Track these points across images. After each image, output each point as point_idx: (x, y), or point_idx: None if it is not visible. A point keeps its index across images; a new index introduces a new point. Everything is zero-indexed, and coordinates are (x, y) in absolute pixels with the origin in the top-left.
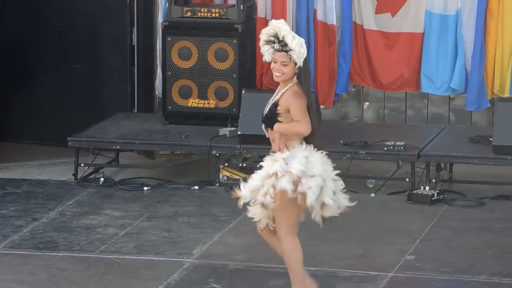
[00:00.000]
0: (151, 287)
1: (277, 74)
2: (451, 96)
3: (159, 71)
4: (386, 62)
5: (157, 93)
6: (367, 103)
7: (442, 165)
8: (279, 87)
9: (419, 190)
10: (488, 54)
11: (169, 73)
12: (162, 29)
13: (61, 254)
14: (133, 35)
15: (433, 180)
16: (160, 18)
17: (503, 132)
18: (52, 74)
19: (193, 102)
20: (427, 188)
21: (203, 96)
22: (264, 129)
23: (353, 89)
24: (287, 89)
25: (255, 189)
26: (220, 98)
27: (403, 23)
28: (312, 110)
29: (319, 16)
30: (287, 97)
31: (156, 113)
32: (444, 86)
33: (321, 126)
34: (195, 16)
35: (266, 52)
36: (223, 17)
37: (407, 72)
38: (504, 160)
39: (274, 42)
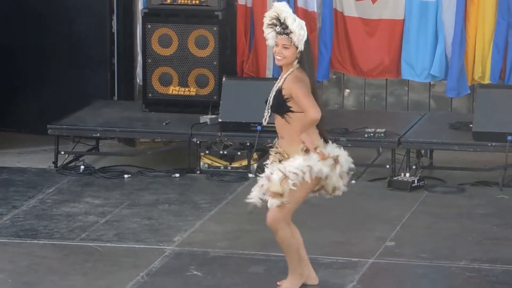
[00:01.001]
0: (132, 274)
1: (278, 57)
2: (432, 82)
3: (140, 58)
4: (366, 49)
5: (138, 80)
6: (347, 90)
7: (423, 151)
8: (282, 72)
9: (399, 177)
10: (469, 40)
11: (149, 60)
12: (142, 16)
13: (41, 242)
14: (112, 22)
15: (414, 167)
16: (140, 5)
17: (483, 119)
18: (32, 61)
19: (174, 89)
20: (407, 174)
21: (183, 83)
22: (265, 118)
23: (334, 76)
24: (289, 74)
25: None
26: (201, 86)
27: (384, 9)
28: (316, 93)
29: (300, 3)
30: (288, 82)
31: (137, 100)
32: (425, 73)
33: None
34: (175, 3)
35: (269, 35)
36: (204, 4)
37: (387, 59)
38: (484, 147)
39: (276, 25)
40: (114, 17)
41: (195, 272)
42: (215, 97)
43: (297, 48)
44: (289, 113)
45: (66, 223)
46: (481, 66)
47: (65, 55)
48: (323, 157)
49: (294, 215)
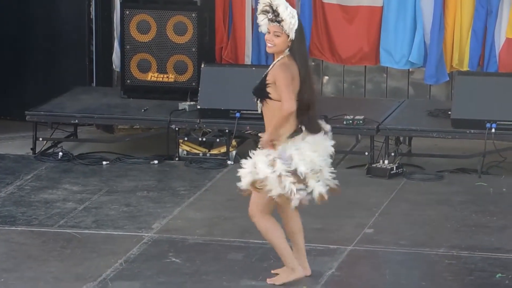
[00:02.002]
0: (110, 261)
1: (269, 45)
2: (410, 70)
3: (116, 44)
4: (345, 36)
5: (114, 67)
6: (326, 77)
7: (401, 138)
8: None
9: (378, 164)
10: (447, 27)
11: (128, 47)
12: (121, 2)
13: (19, 228)
14: (91, 9)
15: (392, 154)
16: None
17: (461, 106)
18: (10, 48)
19: (152, 76)
20: (386, 161)
21: (162, 70)
22: (257, 104)
23: (313, 63)
24: (278, 60)
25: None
26: (180, 72)
27: None
28: (306, 82)
29: None
30: (274, 69)
31: (115, 87)
32: (403, 60)
33: None
34: None
35: (262, 22)
36: None
37: (366, 46)
38: (463, 134)
39: (268, 12)
40: (93, 3)
41: (174, 259)
42: (193, 84)
43: (288, 36)
44: (268, 100)
45: (45, 209)
46: (460, 53)
47: (43, 41)
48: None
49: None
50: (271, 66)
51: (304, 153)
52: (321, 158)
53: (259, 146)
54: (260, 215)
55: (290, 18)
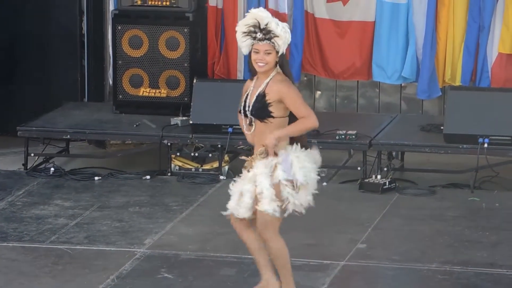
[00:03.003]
0: (102, 277)
1: (261, 64)
2: (403, 84)
3: (111, 60)
4: (337, 51)
5: (110, 81)
6: (319, 92)
7: (394, 153)
8: (258, 77)
9: (370, 179)
10: (440, 42)
11: (120, 62)
12: (112, 18)
13: (11, 244)
14: (82, 24)
15: (385, 169)
16: (111, 6)
17: (454, 121)
18: (1, 62)
19: (144, 91)
20: (378, 176)
21: (154, 85)
22: (244, 124)
23: (305, 78)
24: (272, 78)
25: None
26: (172, 87)
27: (354, 11)
28: None
29: (271, 5)
30: (276, 87)
31: (107, 102)
32: (396, 75)
33: None
34: (145, 5)
35: (244, 43)
36: (174, 5)
37: (358, 61)
38: (455, 149)
39: (255, 32)
40: (84, 18)
41: (166, 275)
42: (186, 99)
43: (277, 52)
44: (270, 118)
45: (36, 225)
46: (452, 68)
47: (34, 56)
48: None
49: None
50: (259, 85)
51: (303, 162)
52: (315, 171)
53: (259, 151)
54: (277, 235)
55: (284, 33)
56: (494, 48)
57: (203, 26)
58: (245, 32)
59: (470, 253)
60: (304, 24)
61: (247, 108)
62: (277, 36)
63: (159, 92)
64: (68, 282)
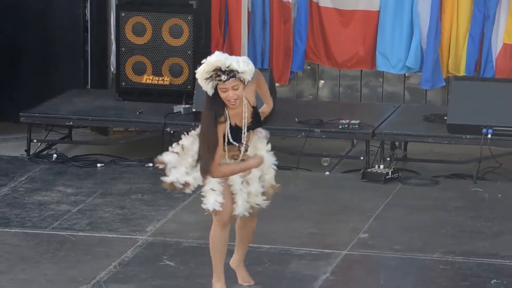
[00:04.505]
0: (104, 264)
1: (233, 101)
2: (406, 74)
3: (114, 46)
4: (341, 40)
5: (112, 69)
6: (322, 81)
7: (397, 143)
8: (231, 110)
9: (373, 169)
10: (444, 32)
11: (123, 49)
12: (116, 5)
13: (13, 230)
14: (86, 10)
15: (388, 159)
16: None
17: (457, 111)
18: (4, 49)
19: (147, 78)
20: (381, 166)
21: (157, 72)
22: (244, 140)
23: (309, 67)
24: (255, 85)
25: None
26: (175, 75)
27: (359, 0)
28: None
29: None
30: (249, 89)
31: (110, 89)
32: (400, 65)
33: (277, 103)
34: None
35: (208, 86)
36: None
37: (362, 50)
38: (459, 139)
39: (218, 76)
40: (88, 5)
41: (168, 262)
42: (189, 87)
43: (243, 83)
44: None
45: (38, 211)
46: (456, 58)
47: (38, 43)
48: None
49: (268, 206)
50: (245, 108)
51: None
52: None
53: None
54: None
55: (247, 66)
56: (499, 39)
57: (207, 14)
58: (207, 78)
59: (472, 243)
60: (308, 12)
61: (243, 137)
62: (242, 72)
63: (162, 79)
64: (70, 268)
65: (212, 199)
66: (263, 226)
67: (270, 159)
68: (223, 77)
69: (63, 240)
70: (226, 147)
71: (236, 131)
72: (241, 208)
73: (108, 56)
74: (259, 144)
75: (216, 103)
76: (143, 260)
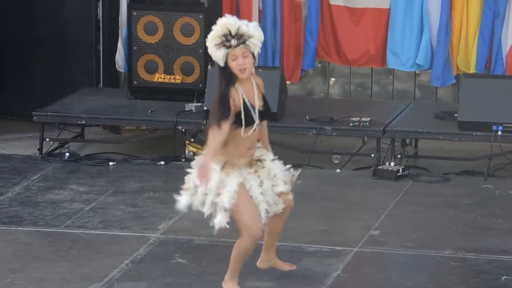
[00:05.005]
0: (117, 262)
1: (243, 69)
2: (417, 72)
3: (119, 45)
4: (352, 38)
5: (117, 67)
6: (333, 79)
7: (407, 141)
8: (243, 85)
9: (384, 166)
10: (454, 30)
11: (135, 48)
12: (128, 4)
13: (26, 228)
14: (98, 10)
15: (398, 156)
16: None
17: (468, 108)
18: (17, 48)
19: (159, 77)
20: (392, 163)
21: (169, 71)
22: (254, 129)
23: (319, 65)
24: (255, 80)
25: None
26: (186, 74)
27: None
28: None
29: None
30: (261, 86)
31: (122, 88)
32: (410, 62)
33: (287, 101)
34: None
35: (219, 55)
36: None
37: (373, 48)
38: (469, 136)
39: (228, 40)
40: (100, 3)
41: (180, 260)
42: (200, 85)
43: (253, 55)
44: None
45: (51, 210)
46: (466, 55)
47: (50, 41)
48: None
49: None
50: (255, 88)
51: None
52: None
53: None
54: None
55: (257, 31)
56: (510, 36)
57: (218, 13)
58: (218, 44)
59: (483, 240)
60: (319, 10)
61: (254, 114)
62: (251, 36)
63: (174, 78)
64: (82, 266)
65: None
66: None
67: (279, 168)
68: (233, 42)
69: (75, 238)
70: (242, 130)
71: (248, 112)
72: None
73: (121, 56)
74: (266, 155)
75: (228, 74)
76: (155, 257)
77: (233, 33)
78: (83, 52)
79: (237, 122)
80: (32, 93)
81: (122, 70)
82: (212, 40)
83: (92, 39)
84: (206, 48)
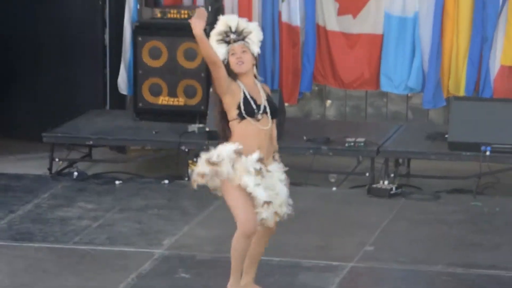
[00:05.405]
0: (123, 276)
1: (240, 63)
2: (409, 95)
3: (122, 69)
4: (347, 62)
5: (119, 90)
6: (329, 101)
7: (400, 160)
8: (243, 81)
9: (378, 184)
10: (444, 53)
11: (140, 71)
12: (133, 30)
13: (36, 245)
14: (105, 35)
15: (392, 175)
16: (127, 17)
17: (458, 129)
18: (26, 71)
19: (163, 99)
20: (386, 182)
21: (172, 94)
22: (262, 122)
23: (316, 88)
24: (261, 84)
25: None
26: (189, 96)
27: (364, 24)
28: None
29: (284, 18)
30: (266, 88)
31: (128, 110)
32: (402, 85)
33: (286, 122)
34: (165, 17)
35: (220, 51)
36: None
37: (367, 72)
38: (459, 156)
39: (228, 36)
40: (107, 28)
41: (183, 275)
42: (202, 107)
43: (252, 53)
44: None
45: (60, 226)
46: (456, 79)
47: (58, 65)
48: None
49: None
50: (260, 87)
51: None
52: None
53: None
54: None
55: (256, 29)
56: (497, 60)
57: None
58: (219, 40)
59: (473, 255)
60: (316, 36)
61: (256, 106)
62: (250, 32)
63: (177, 100)
64: (90, 280)
65: None
66: (274, 239)
67: (283, 191)
68: (232, 36)
69: (83, 254)
70: (252, 120)
71: (247, 102)
72: (265, 213)
73: (123, 79)
74: (273, 165)
75: (229, 71)
76: (159, 272)
77: (233, 29)
78: (90, 76)
79: (239, 115)
80: (42, 114)
81: (124, 93)
82: (214, 37)
83: (99, 64)
84: (207, 71)
